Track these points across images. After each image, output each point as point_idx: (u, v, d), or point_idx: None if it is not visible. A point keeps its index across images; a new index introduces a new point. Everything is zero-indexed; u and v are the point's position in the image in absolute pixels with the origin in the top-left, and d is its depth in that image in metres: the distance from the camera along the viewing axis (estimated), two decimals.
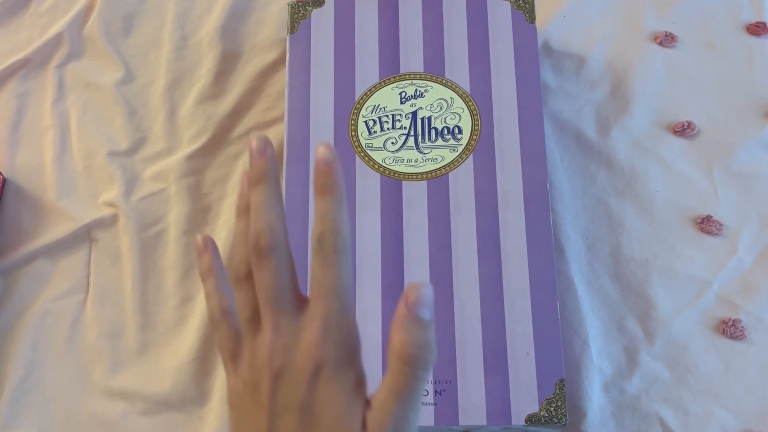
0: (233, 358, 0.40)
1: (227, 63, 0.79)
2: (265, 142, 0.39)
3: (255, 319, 0.39)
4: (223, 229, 0.72)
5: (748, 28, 0.77)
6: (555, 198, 0.72)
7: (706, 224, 0.70)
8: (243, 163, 0.75)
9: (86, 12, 0.83)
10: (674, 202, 0.71)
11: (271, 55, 0.79)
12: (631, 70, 0.76)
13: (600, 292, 0.69)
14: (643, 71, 0.76)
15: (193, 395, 0.66)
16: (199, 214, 0.73)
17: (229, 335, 0.41)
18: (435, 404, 0.59)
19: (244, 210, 0.41)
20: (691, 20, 0.78)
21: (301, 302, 0.38)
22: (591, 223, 0.71)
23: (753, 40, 0.77)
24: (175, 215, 0.73)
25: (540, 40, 0.78)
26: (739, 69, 0.76)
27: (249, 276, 0.39)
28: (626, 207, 0.71)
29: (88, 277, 0.72)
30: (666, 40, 0.77)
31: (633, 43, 0.77)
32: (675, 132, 0.73)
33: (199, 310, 0.69)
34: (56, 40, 0.82)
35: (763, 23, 0.76)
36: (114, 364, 0.68)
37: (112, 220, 0.73)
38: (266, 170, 0.39)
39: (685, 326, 0.67)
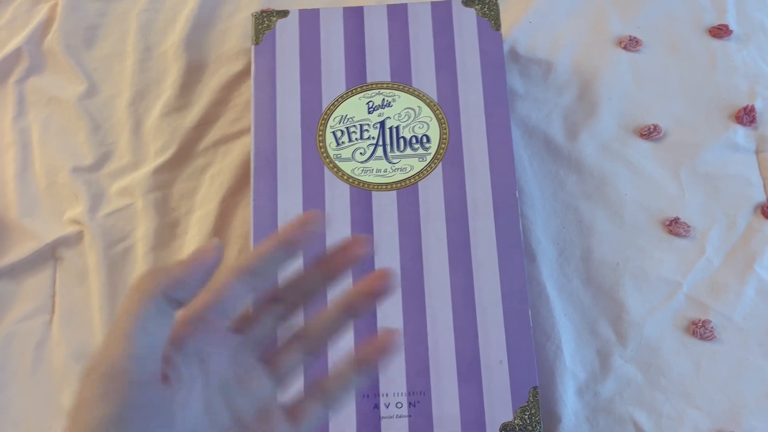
0: None
1: (192, 74, 0.78)
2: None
3: None
4: (191, 244, 0.71)
5: (710, 31, 0.78)
6: (525, 204, 0.72)
7: (674, 226, 0.70)
8: (210, 176, 0.74)
9: (46, 25, 0.81)
10: (643, 204, 0.72)
11: (236, 66, 0.78)
12: (598, 75, 0.77)
13: (572, 297, 0.69)
14: (610, 75, 0.77)
15: None
16: (167, 229, 0.72)
17: None
18: (409, 416, 0.58)
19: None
20: (655, 24, 0.79)
21: None
22: (562, 228, 0.72)
23: (716, 43, 0.77)
24: (142, 231, 0.71)
25: (506, 47, 0.78)
26: (703, 71, 0.77)
27: None
28: (596, 211, 0.72)
29: (53, 296, 0.70)
30: (631, 44, 0.77)
31: (598, 47, 0.78)
32: (642, 135, 0.74)
33: None
34: (15, 55, 0.80)
35: (726, 26, 0.77)
36: None
37: (78, 238, 0.72)
38: None
39: (657, 328, 0.67)
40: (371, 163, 0.66)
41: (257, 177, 0.66)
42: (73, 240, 0.71)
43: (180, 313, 0.36)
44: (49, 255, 0.71)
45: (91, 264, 0.70)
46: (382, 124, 0.67)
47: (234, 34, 0.81)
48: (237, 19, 0.81)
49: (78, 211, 0.72)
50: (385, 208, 0.64)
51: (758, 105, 0.74)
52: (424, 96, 0.68)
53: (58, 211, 0.73)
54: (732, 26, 0.77)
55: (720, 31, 0.77)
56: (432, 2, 0.71)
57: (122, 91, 0.78)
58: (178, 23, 0.81)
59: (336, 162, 0.66)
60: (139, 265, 0.70)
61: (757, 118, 0.74)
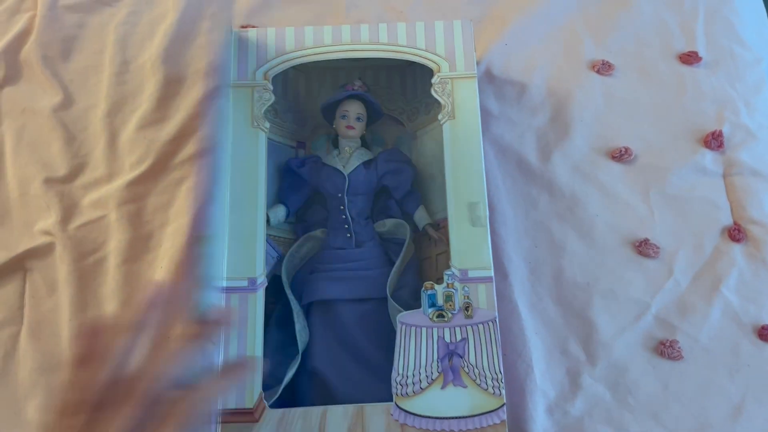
0: None
1: (170, 88, 0.78)
2: None
3: None
4: (165, 257, 0.71)
5: (680, 57, 0.80)
6: (498, 222, 0.73)
7: (643, 247, 0.72)
8: (186, 189, 0.74)
9: (23, 35, 0.81)
10: (613, 225, 0.73)
11: (214, 80, 0.78)
12: (571, 97, 0.78)
13: (543, 316, 0.70)
14: (582, 98, 0.78)
15: None
16: (141, 241, 0.72)
17: None
18: None
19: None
20: (627, 49, 0.80)
21: None
22: (534, 247, 0.72)
23: (685, 69, 0.79)
24: (115, 243, 0.71)
25: (482, 68, 0.79)
26: (672, 96, 0.78)
27: None
28: (567, 231, 0.73)
29: (22, 308, 0.69)
30: (603, 68, 0.79)
31: (572, 70, 0.80)
32: (613, 157, 0.75)
33: None
34: None
35: (695, 53, 0.79)
36: (50, 398, 0.66)
37: (48, 249, 0.71)
38: None
39: (626, 348, 0.68)
40: None
41: None
42: (44, 251, 0.71)
43: None
44: (19, 266, 0.71)
45: (62, 276, 0.69)
46: None
47: (212, 49, 0.81)
48: (215, 35, 0.82)
49: (49, 222, 0.71)
50: None
51: (726, 130, 0.76)
52: None
53: (29, 221, 0.72)
54: (701, 53, 0.80)
55: (690, 58, 0.79)
56: None
57: (98, 102, 0.78)
58: (156, 37, 0.81)
59: None
60: (111, 277, 0.70)
61: (725, 142, 0.76)
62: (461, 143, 0.68)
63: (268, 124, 0.69)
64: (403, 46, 0.71)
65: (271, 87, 0.70)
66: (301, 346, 0.66)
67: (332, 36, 0.71)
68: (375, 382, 0.64)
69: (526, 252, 0.72)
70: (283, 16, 0.82)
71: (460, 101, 0.69)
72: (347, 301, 0.68)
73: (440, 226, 0.71)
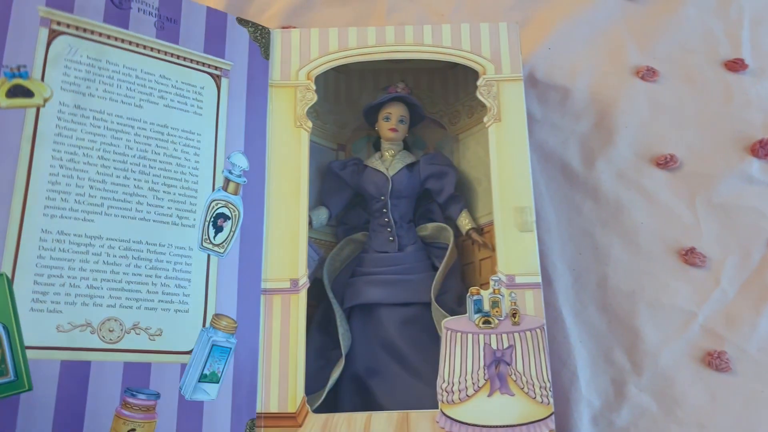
0: None
1: None
2: None
3: None
4: None
5: (726, 64, 0.79)
6: (541, 228, 0.71)
7: (689, 256, 0.70)
8: None
9: None
10: (659, 233, 0.72)
11: None
12: (615, 103, 0.77)
13: (587, 324, 0.69)
14: (626, 104, 0.77)
15: None
16: None
17: None
18: None
19: None
20: (672, 55, 0.79)
21: None
22: (578, 254, 0.71)
23: (731, 76, 0.78)
24: None
25: (525, 72, 0.78)
26: (718, 103, 0.77)
27: None
28: (612, 238, 0.72)
29: None
30: (648, 74, 0.78)
31: (616, 76, 0.79)
32: (658, 164, 0.74)
33: None
34: None
35: (741, 60, 0.78)
36: None
37: None
38: None
39: (672, 358, 0.67)
40: None
41: None
42: None
43: None
44: None
45: None
46: None
47: None
48: None
49: None
50: None
51: None
52: None
53: None
54: (747, 60, 0.78)
55: (735, 65, 0.78)
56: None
57: None
58: None
59: None
60: None
61: None
62: (507, 146, 0.67)
63: (311, 124, 0.68)
64: (447, 48, 0.70)
65: (314, 87, 0.69)
66: (344, 350, 0.65)
67: (376, 37, 0.71)
68: (419, 387, 0.63)
69: (570, 259, 0.71)
70: (323, 17, 0.82)
71: (507, 104, 0.68)
72: (390, 305, 0.67)
73: (484, 230, 0.70)
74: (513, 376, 0.60)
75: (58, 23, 0.59)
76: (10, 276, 0.52)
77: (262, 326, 0.62)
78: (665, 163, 0.74)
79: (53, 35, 0.59)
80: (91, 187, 0.57)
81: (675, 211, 0.73)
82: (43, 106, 0.57)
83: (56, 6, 0.59)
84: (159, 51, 0.63)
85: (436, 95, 0.78)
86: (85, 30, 0.60)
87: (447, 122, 0.78)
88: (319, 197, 0.72)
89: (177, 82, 0.64)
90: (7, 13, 0.57)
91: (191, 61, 0.65)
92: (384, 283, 0.68)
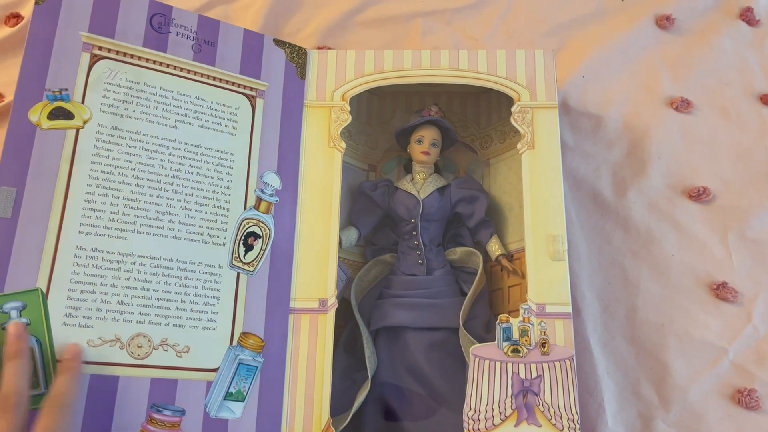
0: None
1: None
2: (23, 327, 0.51)
3: None
4: None
5: (762, 98, 0.78)
6: (571, 257, 0.71)
7: (721, 291, 0.69)
8: None
9: None
10: (689, 266, 0.71)
11: None
12: (648, 133, 0.77)
13: (615, 355, 0.68)
14: (660, 134, 0.76)
15: None
16: None
17: None
18: None
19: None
20: (707, 87, 0.79)
21: None
22: (607, 284, 0.71)
23: (766, 110, 0.78)
24: None
25: (559, 98, 0.78)
26: (753, 137, 0.76)
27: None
28: (642, 269, 0.71)
29: None
30: (682, 105, 0.78)
31: (649, 106, 0.78)
32: (691, 196, 0.74)
33: None
34: None
35: None
36: None
37: None
38: (21, 349, 0.51)
39: (701, 394, 0.66)
40: None
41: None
42: None
43: None
44: None
45: None
46: None
47: None
48: None
49: None
50: None
51: None
52: None
53: None
54: None
55: None
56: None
57: None
58: None
59: None
60: None
61: None
62: (541, 174, 0.66)
63: (344, 145, 0.68)
64: (483, 74, 0.70)
65: (349, 108, 0.69)
66: (370, 372, 0.64)
67: (412, 60, 0.71)
68: (445, 414, 0.63)
69: (599, 288, 0.70)
70: (358, 39, 0.82)
71: (541, 131, 0.68)
72: (417, 329, 0.67)
73: (513, 257, 0.70)
74: (540, 407, 0.59)
75: (100, 48, 0.60)
76: (45, 291, 0.53)
77: (290, 346, 0.62)
78: (698, 195, 0.73)
79: (94, 59, 0.60)
80: (125, 206, 0.58)
81: (707, 245, 0.72)
82: (83, 127, 0.58)
83: (98, 32, 0.61)
84: (195, 73, 0.64)
85: (468, 119, 0.78)
86: (125, 54, 0.61)
87: (478, 146, 0.78)
88: (348, 217, 0.72)
89: (212, 103, 0.64)
90: (51, 39, 0.59)
91: (227, 82, 0.66)
92: (412, 306, 0.67)
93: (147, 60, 0.62)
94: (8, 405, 0.49)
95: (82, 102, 0.59)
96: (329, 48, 0.81)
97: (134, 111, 0.60)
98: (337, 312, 0.63)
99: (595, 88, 0.79)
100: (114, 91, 0.60)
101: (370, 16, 0.83)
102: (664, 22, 0.82)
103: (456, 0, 0.85)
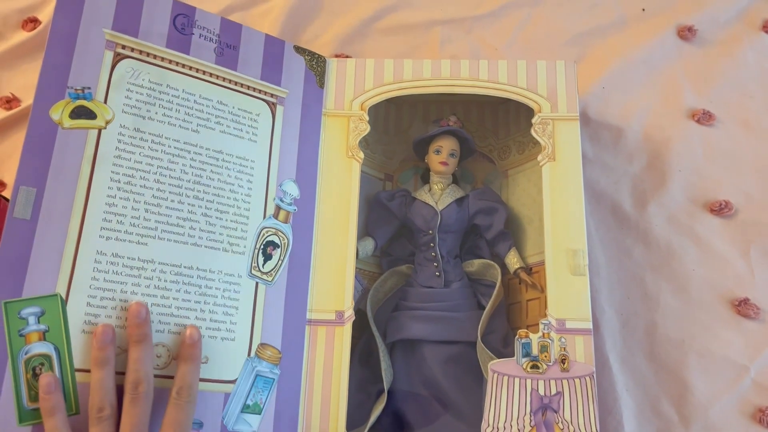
0: None
1: None
2: (146, 310, 0.54)
3: None
4: None
5: None
6: (591, 270, 0.70)
7: (743, 307, 0.68)
8: None
9: None
10: (711, 282, 0.70)
11: None
12: (669, 145, 0.76)
13: (635, 372, 0.67)
14: (681, 147, 0.76)
15: None
16: None
17: None
18: None
19: (103, 361, 0.51)
20: (729, 100, 0.78)
21: None
22: (626, 299, 0.70)
23: None
24: None
25: (579, 109, 0.77)
26: None
27: (110, 416, 0.50)
28: (662, 284, 0.70)
29: None
30: (704, 117, 0.77)
31: (671, 118, 0.77)
32: (712, 210, 0.73)
33: None
34: None
35: None
36: None
37: None
38: (146, 333, 0.53)
39: (722, 413, 0.65)
40: None
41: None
42: None
43: None
44: None
45: None
46: None
47: None
48: None
49: None
50: None
51: None
52: None
53: None
54: None
55: None
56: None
57: None
58: None
59: None
60: None
61: None
62: (561, 187, 0.66)
63: (362, 155, 0.68)
64: (503, 84, 0.70)
65: (367, 117, 0.69)
66: (386, 385, 0.64)
67: (432, 70, 0.70)
68: (462, 428, 0.62)
69: (618, 303, 0.70)
70: (376, 47, 0.82)
71: (561, 143, 0.67)
72: (434, 342, 0.66)
73: (532, 270, 0.69)
74: (560, 424, 0.58)
75: (123, 47, 0.60)
76: (64, 296, 0.52)
77: (306, 358, 0.61)
78: (720, 209, 0.72)
79: (117, 58, 0.59)
80: (147, 211, 0.57)
81: (729, 260, 0.71)
82: (105, 128, 0.57)
83: (122, 30, 0.60)
84: (218, 77, 0.64)
85: (487, 129, 0.78)
86: (148, 54, 0.61)
87: (496, 157, 0.77)
88: (364, 227, 0.72)
89: (234, 108, 0.64)
90: (74, 35, 0.58)
91: (248, 87, 0.65)
92: (429, 319, 0.67)
93: (170, 61, 0.62)
94: (140, 393, 0.50)
95: (105, 102, 0.58)
96: (347, 56, 0.80)
97: (156, 113, 0.60)
98: (353, 323, 0.63)
99: (615, 99, 0.78)
100: (137, 92, 0.59)
101: (389, 23, 0.83)
102: (686, 33, 0.81)
103: (475, 8, 0.84)
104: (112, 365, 0.52)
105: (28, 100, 0.75)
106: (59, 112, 0.56)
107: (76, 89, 0.57)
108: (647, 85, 0.79)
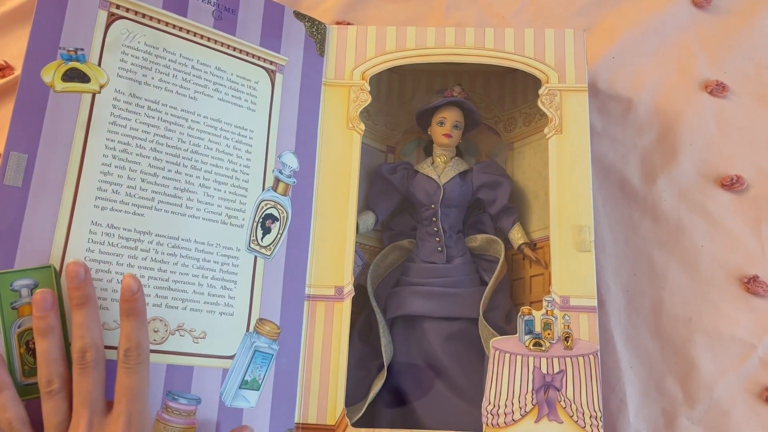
0: None
1: None
2: (85, 269, 0.50)
3: (64, 423, 0.47)
4: None
5: None
6: (597, 246, 0.68)
7: (752, 284, 0.67)
8: None
9: None
10: (720, 259, 0.68)
11: None
12: (680, 118, 0.73)
13: (639, 349, 0.66)
14: (693, 120, 0.73)
15: None
16: None
17: None
18: None
19: (46, 330, 0.48)
20: (744, 71, 0.75)
21: (107, 405, 0.48)
22: (632, 276, 0.68)
23: None
24: None
25: (587, 79, 0.75)
26: None
27: (60, 389, 0.47)
28: (670, 261, 0.68)
29: None
30: (717, 89, 0.74)
31: (683, 89, 0.75)
32: (723, 185, 0.71)
33: None
34: None
35: None
36: None
37: None
38: (88, 295, 0.49)
39: (728, 391, 0.64)
40: None
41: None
42: None
43: None
44: None
45: None
46: None
47: None
48: None
49: None
50: None
51: None
52: None
53: None
54: None
55: None
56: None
57: None
58: None
59: None
60: None
61: None
62: (568, 161, 0.64)
63: (363, 126, 0.66)
64: (509, 53, 0.67)
65: (369, 87, 0.67)
66: (386, 362, 0.63)
67: (435, 38, 0.68)
68: (462, 407, 0.61)
69: (624, 280, 0.68)
70: (379, 13, 0.79)
71: (569, 115, 0.65)
72: (435, 318, 0.65)
73: (537, 246, 0.68)
74: (562, 403, 0.57)
75: (117, 6, 0.57)
76: (58, 268, 0.51)
77: (305, 334, 0.60)
78: (731, 184, 0.70)
79: (112, 18, 0.57)
80: (143, 180, 0.55)
81: (739, 236, 0.69)
82: (99, 92, 0.55)
83: None
84: (216, 42, 0.62)
85: (492, 100, 0.75)
86: (143, 15, 0.58)
87: (502, 129, 0.75)
88: (365, 200, 0.70)
89: (232, 75, 0.62)
90: None
91: (247, 54, 0.63)
92: (430, 295, 0.66)
93: (167, 24, 0.59)
94: (87, 361, 0.47)
95: (99, 64, 0.55)
96: (349, 23, 0.78)
97: (152, 78, 0.57)
98: (353, 298, 0.61)
99: (625, 69, 0.76)
100: (132, 55, 0.57)
101: None
102: (701, 1, 0.78)
103: None
104: (56, 334, 0.49)
105: (21, 68, 0.73)
106: (51, 74, 0.53)
107: (68, 50, 0.54)
108: (659, 55, 0.76)
